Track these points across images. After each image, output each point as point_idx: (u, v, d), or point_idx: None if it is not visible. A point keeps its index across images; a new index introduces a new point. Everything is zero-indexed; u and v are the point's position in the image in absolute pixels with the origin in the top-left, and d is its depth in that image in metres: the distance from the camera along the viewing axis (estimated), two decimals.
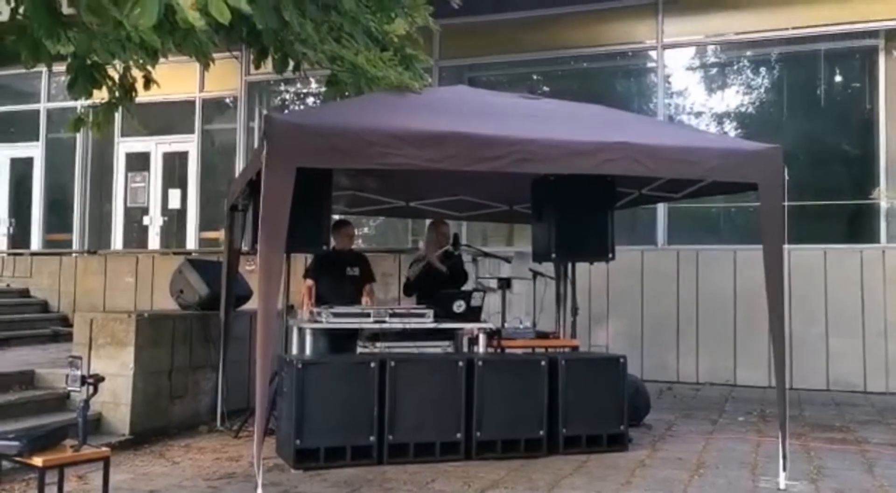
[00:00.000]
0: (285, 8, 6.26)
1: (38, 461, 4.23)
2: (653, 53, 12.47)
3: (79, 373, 4.58)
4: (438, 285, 7.80)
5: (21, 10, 5.67)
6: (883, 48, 11.24)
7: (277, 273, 5.25)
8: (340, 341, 7.23)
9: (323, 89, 8.61)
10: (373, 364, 6.23)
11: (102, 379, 4.66)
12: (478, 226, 12.69)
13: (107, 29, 5.64)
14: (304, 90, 14.85)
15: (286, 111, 13.99)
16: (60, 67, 6.56)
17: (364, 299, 8.04)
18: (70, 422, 5.40)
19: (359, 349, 6.72)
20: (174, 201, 14.89)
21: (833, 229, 11.65)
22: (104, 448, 4.77)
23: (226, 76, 14.20)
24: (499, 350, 7.25)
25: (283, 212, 5.10)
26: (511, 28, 13.03)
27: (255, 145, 12.84)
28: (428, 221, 9.40)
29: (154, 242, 14.90)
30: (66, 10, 5.72)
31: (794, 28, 11.58)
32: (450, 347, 7.01)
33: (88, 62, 6.18)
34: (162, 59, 6.88)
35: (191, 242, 14.53)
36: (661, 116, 12.09)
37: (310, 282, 8.05)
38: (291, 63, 6.92)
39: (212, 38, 6.07)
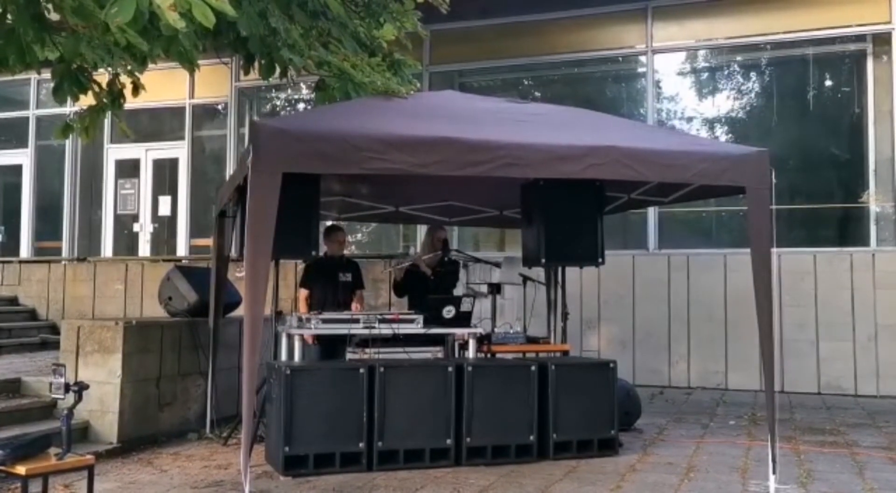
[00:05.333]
0: (272, 14, 6.27)
1: (21, 469, 4.20)
2: (643, 58, 12.49)
3: (62, 380, 4.55)
4: (428, 289, 7.79)
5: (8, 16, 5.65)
6: (871, 52, 11.28)
7: (264, 279, 5.21)
8: (330, 347, 7.22)
9: (312, 96, 8.61)
10: (362, 370, 6.21)
11: (87, 387, 4.64)
12: (470, 231, 12.69)
13: (94, 33, 5.62)
14: (295, 96, 14.86)
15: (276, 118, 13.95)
16: (48, 74, 6.53)
17: (354, 306, 8.03)
18: (56, 430, 5.38)
19: (348, 355, 6.69)
20: (164, 208, 14.85)
21: (823, 233, 11.67)
22: (88, 456, 4.74)
23: (216, 83, 14.20)
24: (489, 355, 7.24)
25: (269, 217, 5.08)
26: (501, 33, 13.04)
27: None
28: (420, 227, 9.37)
29: (144, 249, 14.85)
30: (53, 16, 5.71)
31: (783, 33, 11.61)
32: (440, 352, 6.98)
33: (74, 66, 6.15)
34: (152, 66, 6.87)
35: (181, 250, 14.48)
36: (652, 121, 12.10)
37: (305, 292, 8.04)
38: (278, 69, 6.91)
39: (196, 44, 6.04)
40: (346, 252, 8.78)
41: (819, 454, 6.88)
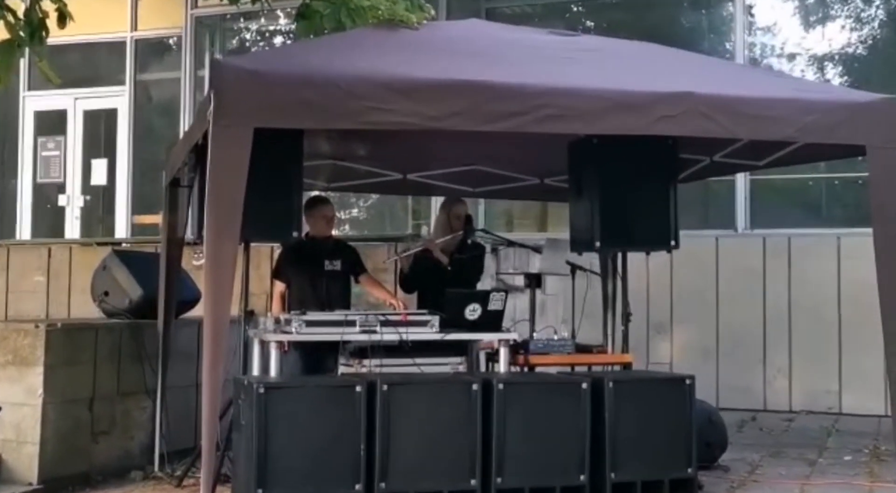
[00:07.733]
0: None
1: None
2: None
3: None
4: (444, 282, 7.78)
5: None
6: None
7: (230, 269, 5.24)
8: (316, 357, 7.24)
9: (293, 26, 8.62)
10: (359, 388, 6.20)
11: None
12: (500, 205, 12.71)
13: None
14: (271, 27, 14.86)
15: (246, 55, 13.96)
16: None
17: (379, 294, 8.07)
18: None
19: (340, 369, 6.72)
20: (99, 175, 14.88)
21: None
22: None
23: (166, 10, 14.24)
24: (526, 369, 7.24)
25: (236, 187, 5.09)
26: None
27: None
28: (435, 199, 9.31)
29: (72, 229, 14.92)
30: None
31: None
32: (461, 365, 7.00)
33: None
34: None
35: (121, 230, 14.56)
36: (742, 59, 12.04)
37: (281, 286, 8.06)
38: None
39: None
40: (335, 233, 8.78)
41: None
